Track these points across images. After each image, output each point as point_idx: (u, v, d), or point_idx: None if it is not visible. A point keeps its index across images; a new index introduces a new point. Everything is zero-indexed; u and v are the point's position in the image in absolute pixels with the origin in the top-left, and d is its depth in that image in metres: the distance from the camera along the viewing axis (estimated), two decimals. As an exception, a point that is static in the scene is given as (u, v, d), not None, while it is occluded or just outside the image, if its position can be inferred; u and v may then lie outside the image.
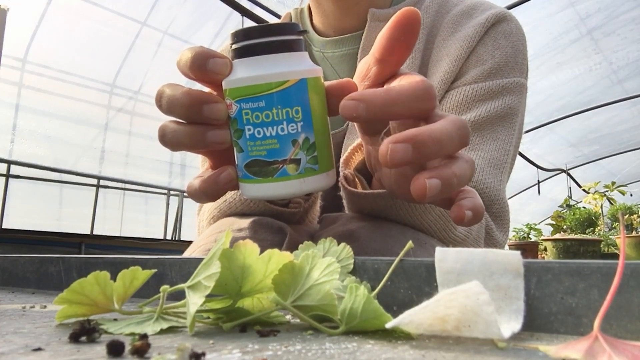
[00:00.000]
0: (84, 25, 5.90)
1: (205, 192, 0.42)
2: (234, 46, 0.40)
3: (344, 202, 0.59)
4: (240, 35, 0.40)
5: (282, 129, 0.39)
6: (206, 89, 0.44)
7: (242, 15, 5.51)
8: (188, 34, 6.52)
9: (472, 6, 0.79)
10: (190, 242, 0.77)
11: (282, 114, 0.39)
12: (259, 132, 0.39)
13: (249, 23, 5.52)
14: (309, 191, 0.42)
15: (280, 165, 0.40)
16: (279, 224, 0.61)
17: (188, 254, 0.68)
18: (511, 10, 5.81)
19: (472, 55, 0.75)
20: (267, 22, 5.41)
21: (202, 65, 0.39)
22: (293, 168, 0.40)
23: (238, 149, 0.41)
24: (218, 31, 6.55)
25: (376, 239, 0.54)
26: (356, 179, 0.57)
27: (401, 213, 0.55)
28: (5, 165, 5.65)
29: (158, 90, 0.42)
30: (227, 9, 5.61)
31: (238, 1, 5.40)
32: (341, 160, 0.58)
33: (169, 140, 0.42)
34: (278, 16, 5.65)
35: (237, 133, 0.40)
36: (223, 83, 0.40)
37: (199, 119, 0.40)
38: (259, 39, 0.39)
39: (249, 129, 0.39)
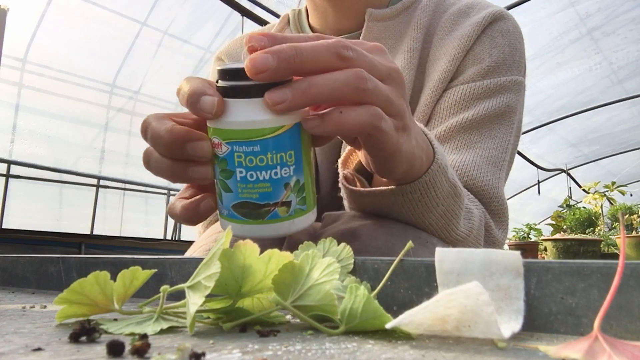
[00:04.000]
0: (84, 25, 5.90)
1: (186, 219, 0.43)
2: (223, 83, 0.38)
3: (345, 202, 0.59)
4: (232, 74, 0.38)
5: (276, 173, 0.39)
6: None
7: (242, 15, 5.51)
8: (188, 34, 6.53)
9: (469, 5, 0.80)
10: (190, 242, 0.77)
11: (276, 159, 0.38)
12: (251, 176, 0.38)
13: (249, 23, 5.52)
14: (296, 231, 0.41)
15: (272, 208, 0.39)
16: None
17: (189, 254, 0.68)
18: (511, 10, 5.82)
19: (470, 54, 0.75)
20: (268, 22, 5.41)
21: (194, 102, 0.38)
22: (284, 210, 0.40)
23: (225, 188, 0.40)
24: (218, 31, 6.56)
25: (378, 237, 0.53)
26: (355, 179, 0.57)
27: (403, 211, 0.55)
28: (5, 165, 5.66)
29: (144, 120, 0.42)
30: (227, 9, 5.61)
31: (238, 1, 5.40)
32: (339, 161, 0.58)
33: (152, 168, 0.42)
34: (278, 16, 5.65)
35: (226, 173, 0.39)
36: (209, 121, 0.39)
37: (181, 156, 0.40)
38: (253, 81, 0.37)
39: (241, 172, 0.38)
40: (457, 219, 0.59)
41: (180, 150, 0.39)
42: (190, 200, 0.42)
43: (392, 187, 0.52)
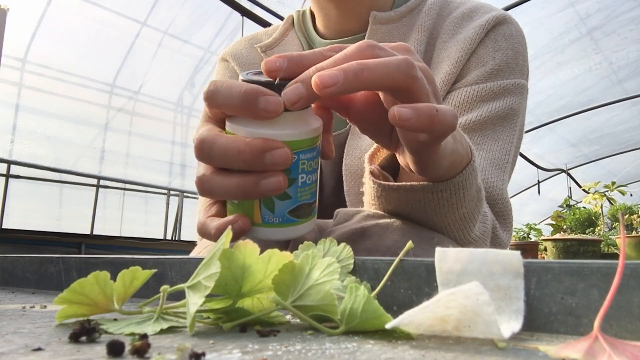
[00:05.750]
0: (84, 26, 5.90)
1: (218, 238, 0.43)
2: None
3: (366, 197, 0.58)
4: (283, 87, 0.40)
5: (316, 174, 0.43)
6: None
7: (242, 15, 5.51)
8: (188, 34, 6.53)
9: (472, 9, 0.80)
10: (190, 242, 0.77)
11: (318, 161, 0.43)
12: (309, 179, 0.42)
13: (249, 23, 5.52)
14: None
15: (314, 205, 0.44)
16: None
17: (195, 254, 0.68)
18: (511, 10, 5.83)
19: (473, 57, 0.76)
20: (268, 22, 5.41)
21: (252, 102, 0.38)
22: (315, 205, 0.45)
23: (282, 196, 0.41)
24: (218, 31, 6.56)
25: (389, 237, 0.53)
26: (381, 175, 0.57)
27: (428, 210, 0.54)
28: (5, 165, 5.66)
29: (201, 139, 0.40)
30: (227, 9, 5.61)
31: (238, 1, 5.40)
32: (366, 155, 0.58)
33: (216, 193, 0.41)
34: (278, 16, 5.65)
35: (289, 182, 0.41)
36: (278, 134, 0.39)
37: (259, 168, 0.39)
38: None
39: (302, 177, 0.42)
40: (474, 222, 0.59)
41: (259, 162, 0.38)
42: (222, 222, 0.42)
43: (424, 183, 0.52)
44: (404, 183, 0.53)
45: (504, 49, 0.76)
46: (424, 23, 0.79)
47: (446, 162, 0.48)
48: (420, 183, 0.52)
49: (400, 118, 0.38)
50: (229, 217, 0.42)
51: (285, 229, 0.43)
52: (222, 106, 0.40)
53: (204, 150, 0.40)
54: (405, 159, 0.49)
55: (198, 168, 0.43)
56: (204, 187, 0.41)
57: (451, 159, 0.48)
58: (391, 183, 0.54)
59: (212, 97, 0.40)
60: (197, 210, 0.82)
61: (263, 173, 0.39)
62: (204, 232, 0.44)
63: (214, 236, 0.42)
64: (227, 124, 0.42)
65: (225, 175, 0.40)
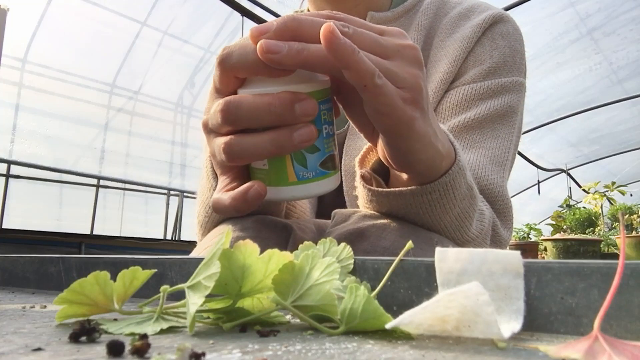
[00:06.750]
0: (84, 26, 5.90)
1: (236, 209, 0.42)
2: None
3: (360, 201, 0.58)
4: None
5: (334, 126, 0.45)
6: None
7: (242, 15, 5.51)
8: (188, 34, 6.53)
9: (469, 8, 0.80)
10: (190, 242, 0.76)
11: (333, 114, 0.45)
12: (331, 130, 0.44)
13: (249, 23, 5.52)
14: None
15: (337, 157, 0.46)
16: (283, 223, 0.60)
17: (195, 255, 0.68)
18: (511, 10, 5.83)
19: (471, 56, 0.76)
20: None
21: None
22: (338, 157, 0.45)
23: (312, 149, 0.43)
24: (218, 31, 6.56)
25: (387, 237, 0.53)
26: (372, 179, 0.57)
27: (420, 212, 0.54)
28: (5, 165, 5.66)
29: (227, 101, 0.40)
30: (227, 9, 5.61)
31: (238, 1, 5.40)
32: (356, 159, 0.58)
33: (248, 155, 0.41)
34: (278, 16, 5.64)
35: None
36: (299, 86, 0.41)
37: (289, 121, 0.40)
38: None
39: (325, 128, 0.43)
40: (470, 221, 0.59)
41: (290, 114, 0.39)
42: (237, 190, 0.42)
43: (412, 187, 0.52)
44: (393, 189, 0.53)
45: (501, 48, 0.76)
46: (421, 22, 0.80)
47: (424, 155, 0.47)
48: (409, 188, 0.52)
49: (338, 38, 0.38)
50: (245, 185, 0.42)
51: (320, 182, 0.44)
52: (237, 66, 0.40)
53: (230, 111, 0.40)
54: (383, 150, 0.49)
55: (215, 140, 0.42)
56: (233, 151, 0.41)
57: (430, 153, 0.47)
58: (381, 189, 0.54)
59: (227, 59, 0.40)
60: (196, 207, 0.80)
61: (294, 126, 0.40)
62: (219, 206, 0.43)
63: (229, 207, 0.42)
64: (241, 91, 0.42)
65: (255, 135, 0.40)
